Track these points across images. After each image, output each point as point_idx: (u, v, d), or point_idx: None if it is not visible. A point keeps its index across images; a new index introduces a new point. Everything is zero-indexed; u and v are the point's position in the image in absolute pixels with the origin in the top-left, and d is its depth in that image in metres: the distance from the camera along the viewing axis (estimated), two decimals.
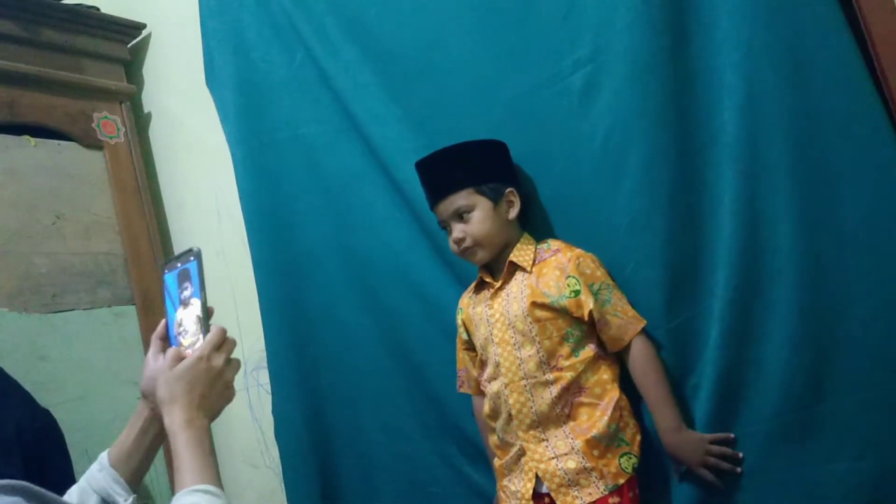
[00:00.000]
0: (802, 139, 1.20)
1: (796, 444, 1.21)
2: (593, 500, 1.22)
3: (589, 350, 1.28)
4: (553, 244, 1.35)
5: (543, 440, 1.28)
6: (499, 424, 1.33)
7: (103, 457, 0.91)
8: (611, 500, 1.22)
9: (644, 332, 1.28)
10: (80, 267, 1.88)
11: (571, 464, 1.24)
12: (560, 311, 1.27)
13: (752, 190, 1.22)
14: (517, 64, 1.43)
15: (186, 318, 0.90)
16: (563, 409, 1.27)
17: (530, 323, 1.28)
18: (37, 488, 0.64)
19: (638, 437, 1.28)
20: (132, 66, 2.22)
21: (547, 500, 1.27)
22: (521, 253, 1.34)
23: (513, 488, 1.31)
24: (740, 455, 1.23)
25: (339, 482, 1.73)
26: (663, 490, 1.32)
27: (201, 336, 0.87)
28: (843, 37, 1.17)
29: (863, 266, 1.18)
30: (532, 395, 1.27)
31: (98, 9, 2.09)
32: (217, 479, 0.79)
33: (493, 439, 1.38)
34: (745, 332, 1.24)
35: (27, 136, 1.87)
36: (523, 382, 1.28)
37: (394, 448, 1.66)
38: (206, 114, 1.94)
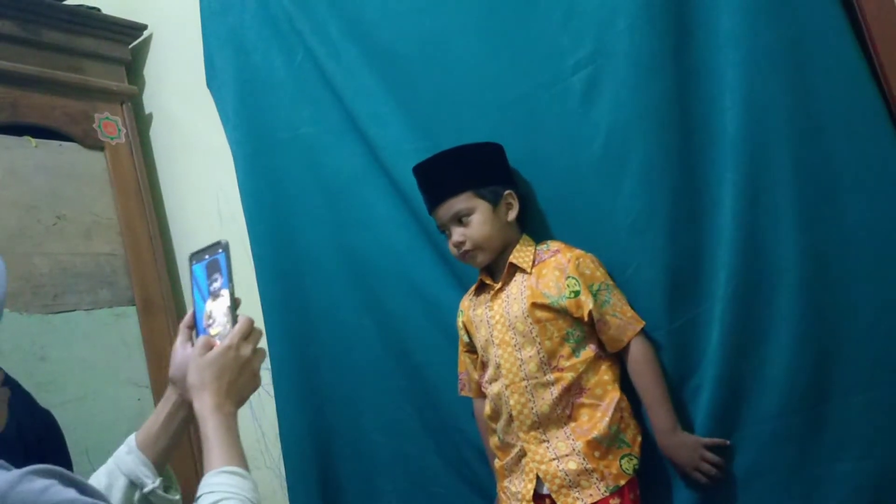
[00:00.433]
0: (803, 139, 1.20)
1: (798, 445, 1.21)
2: (594, 501, 1.22)
3: (589, 350, 1.28)
4: (552, 245, 1.35)
5: (544, 441, 1.27)
6: (499, 426, 1.33)
7: (131, 440, 0.93)
8: (612, 502, 1.22)
9: (643, 332, 1.28)
10: (80, 268, 1.88)
11: (572, 465, 1.24)
12: (560, 312, 1.27)
13: (753, 190, 1.22)
14: (518, 65, 1.43)
15: (216, 308, 0.92)
16: (564, 410, 1.27)
17: (531, 324, 1.28)
18: (70, 473, 0.65)
19: (639, 439, 1.28)
20: (133, 67, 2.22)
21: (548, 501, 1.26)
22: (521, 254, 1.34)
23: (513, 489, 1.31)
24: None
25: (340, 482, 1.73)
26: (664, 492, 1.32)
27: (229, 326, 0.90)
28: (844, 37, 1.17)
29: (865, 266, 1.18)
30: (533, 396, 1.27)
31: (99, 10, 2.10)
32: (244, 462, 0.82)
33: (493, 440, 1.37)
34: (747, 333, 1.24)
35: (28, 137, 1.87)
36: (524, 383, 1.28)
37: (395, 448, 1.65)
38: (207, 114, 1.95)
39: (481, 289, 1.40)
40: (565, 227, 1.40)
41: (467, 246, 1.33)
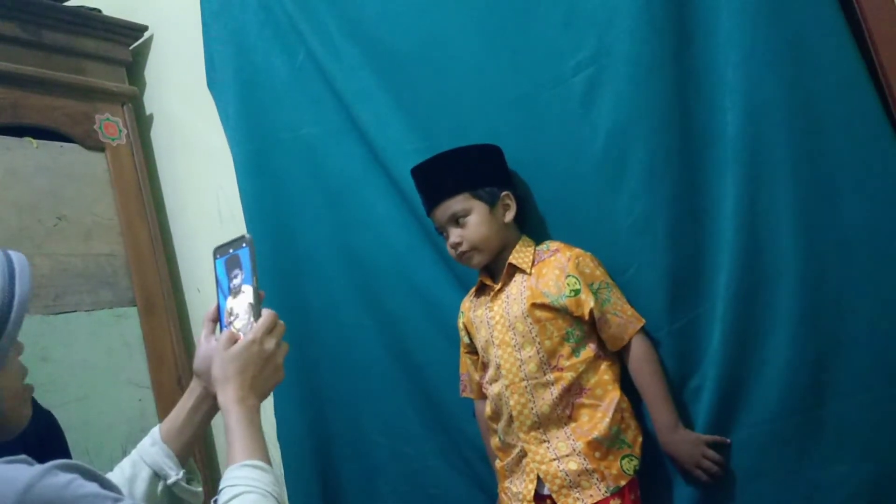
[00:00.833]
0: (804, 140, 1.20)
1: (797, 446, 1.21)
2: (594, 502, 1.22)
3: (589, 350, 1.28)
4: (552, 245, 1.35)
5: (545, 441, 1.28)
6: (500, 426, 1.33)
7: (155, 431, 0.95)
8: (612, 503, 1.22)
9: (643, 330, 1.28)
10: (81, 268, 1.88)
11: (573, 465, 1.24)
12: (560, 311, 1.27)
13: (753, 191, 1.23)
14: (519, 66, 1.43)
15: (237, 304, 0.93)
16: (564, 411, 1.27)
17: (530, 324, 1.28)
18: (90, 468, 0.67)
19: (639, 439, 1.28)
20: (134, 68, 2.22)
21: (548, 501, 1.27)
22: (520, 255, 1.34)
23: (514, 490, 1.31)
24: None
25: (340, 483, 1.73)
26: (665, 492, 1.32)
27: (252, 320, 0.91)
28: (844, 37, 1.18)
29: (864, 267, 1.18)
30: (533, 397, 1.27)
31: (100, 11, 2.10)
32: (266, 455, 0.83)
33: (494, 441, 1.38)
34: (747, 333, 1.24)
35: (29, 138, 1.87)
36: (524, 384, 1.28)
37: (395, 449, 1.65)
38: (208, 115, 1.94)
39: (481, 290, 1.41)
40: (565, 228, 1.40)
41: (464, 247, 1.33)
